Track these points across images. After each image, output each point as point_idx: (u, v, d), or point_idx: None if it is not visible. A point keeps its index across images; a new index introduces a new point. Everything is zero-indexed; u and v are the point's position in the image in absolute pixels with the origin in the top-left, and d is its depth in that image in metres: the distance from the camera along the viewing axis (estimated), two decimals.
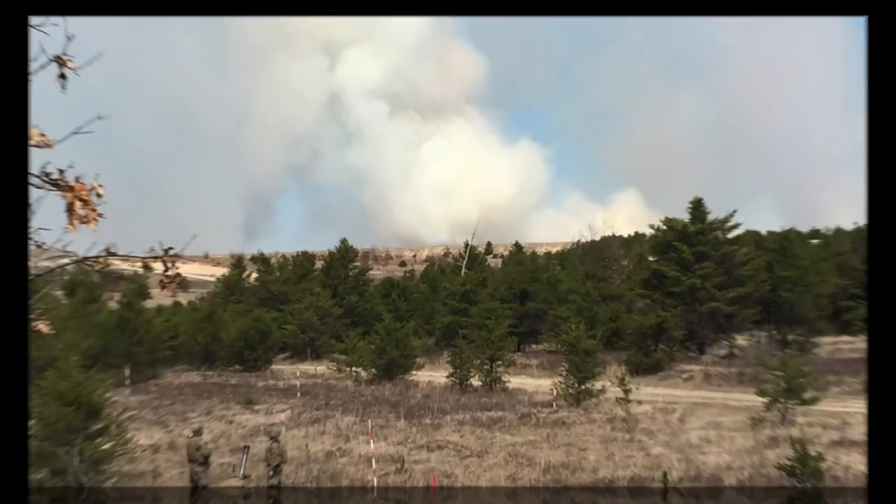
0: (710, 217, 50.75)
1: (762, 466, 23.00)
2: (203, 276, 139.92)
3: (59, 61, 5.29)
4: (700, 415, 31.95)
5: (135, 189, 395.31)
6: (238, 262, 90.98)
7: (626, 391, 32.00)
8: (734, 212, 51.03)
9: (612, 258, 72.27)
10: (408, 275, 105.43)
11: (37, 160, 5.27)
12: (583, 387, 34.48)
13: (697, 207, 50.85)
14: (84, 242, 5.55)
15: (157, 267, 5.81)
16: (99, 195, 5.37)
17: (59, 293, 62.97)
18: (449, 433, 29.92)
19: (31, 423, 22.69)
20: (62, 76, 5.32)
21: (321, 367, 50.94)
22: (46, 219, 5.38)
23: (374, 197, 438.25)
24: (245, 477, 23.48)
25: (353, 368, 47.45)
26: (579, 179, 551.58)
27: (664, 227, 51.41)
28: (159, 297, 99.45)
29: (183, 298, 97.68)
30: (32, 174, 5.28)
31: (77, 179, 5.34)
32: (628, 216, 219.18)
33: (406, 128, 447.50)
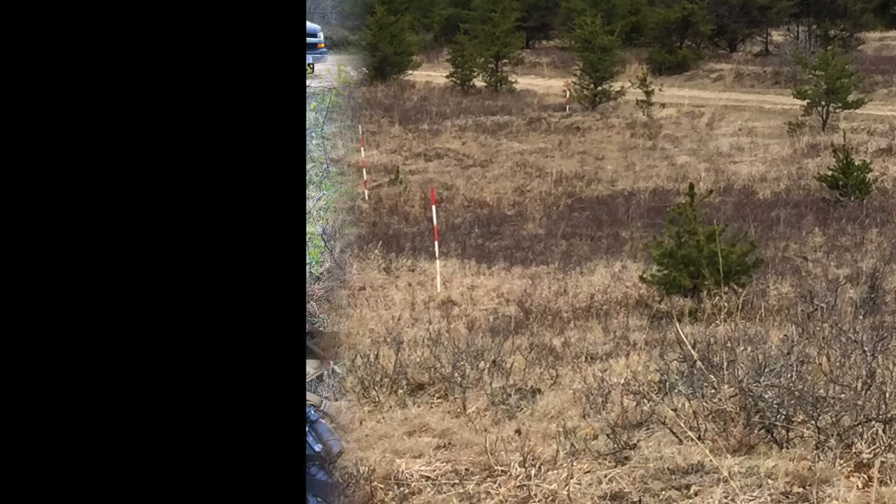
0: None
1: (800, 177, 22.69)
2: None
3: None
4: (731, 119, 31.47)
5: None
6: None
7: (648, 93, 31.52)
8: None
9: None
10: None
11: None
12: (599, 88, 33.99)
13: None
14: None
15: None
16: None
17: None
18: (449, 140, 29.69)
19: None
20: None
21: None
22: None
23: None
24: None
25: (342, 68, 46.68)
26: None
27: None
28: None
29: None
30: None
31: None
32: None
33: None
